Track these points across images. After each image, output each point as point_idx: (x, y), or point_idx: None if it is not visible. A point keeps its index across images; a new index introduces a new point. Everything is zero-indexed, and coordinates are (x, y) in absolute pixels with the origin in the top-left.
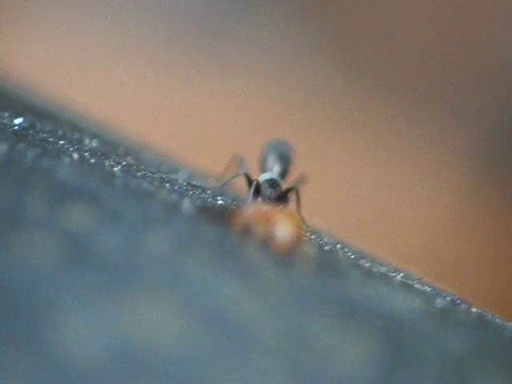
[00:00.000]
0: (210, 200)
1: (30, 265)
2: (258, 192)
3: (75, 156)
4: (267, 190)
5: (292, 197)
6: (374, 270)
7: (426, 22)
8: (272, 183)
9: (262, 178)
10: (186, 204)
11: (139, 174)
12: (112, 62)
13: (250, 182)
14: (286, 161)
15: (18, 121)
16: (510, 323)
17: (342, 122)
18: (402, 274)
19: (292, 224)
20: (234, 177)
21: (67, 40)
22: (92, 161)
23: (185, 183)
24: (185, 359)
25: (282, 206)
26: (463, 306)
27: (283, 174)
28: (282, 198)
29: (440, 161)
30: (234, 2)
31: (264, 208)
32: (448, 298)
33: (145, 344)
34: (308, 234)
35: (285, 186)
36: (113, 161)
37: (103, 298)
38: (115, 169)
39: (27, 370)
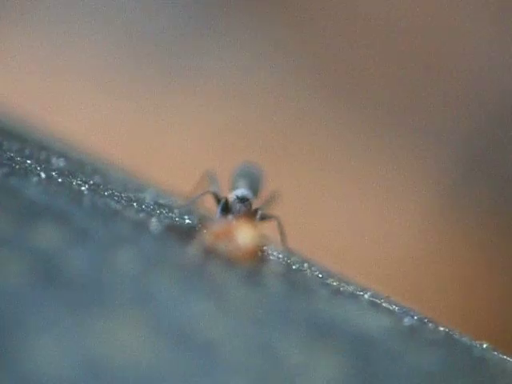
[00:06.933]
0: (177, 219)
1: None
2: (227, 209)
3: (43, 175)
4: (237, 205)
5: (268, 222)
6: (341, 288)
7: (407, 50)
8: (241, 199)
9: (232, 195)
10: (154, 223)
11: (107, 192)
12: (79, 83)
13: (218, 200)
14: (256, 183)
15: None
16: (477, 342)
17: (314, 143)
18: (369, 293)
19: (249, 229)
20: (200, 195)
21: (34, 61)
22: (59, 180)
23: (152, 202)
24: (154, 377)
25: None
26: (431, 324)
27: (254, 194)
28: (259, 218)
29: (411, 182)
30: (207, 22)
31: (226, 224)
32: (416, 317)
33: (114, 362)
34: (268, 244)
35: (257, 205)
36: (80, 180)
37: (72, 317)
38: (83, 188)
39: None
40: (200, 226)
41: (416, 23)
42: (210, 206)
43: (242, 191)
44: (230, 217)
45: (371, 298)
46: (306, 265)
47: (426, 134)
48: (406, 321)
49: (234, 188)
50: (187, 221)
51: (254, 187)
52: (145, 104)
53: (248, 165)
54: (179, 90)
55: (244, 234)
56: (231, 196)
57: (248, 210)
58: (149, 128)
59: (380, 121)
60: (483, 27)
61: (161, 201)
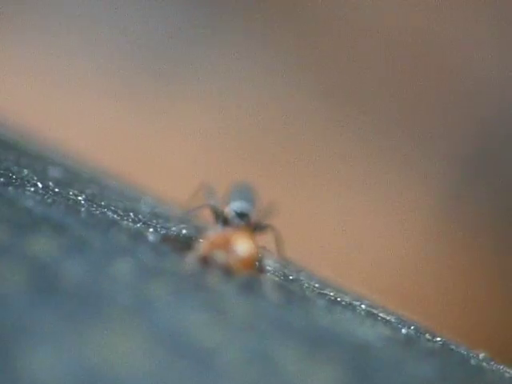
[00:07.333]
0: (174, 229)
1: None
2: (226, 222)
3: (39, 185)
4: (235, 220)
5: (267, 232)
6: (338, 298)
7: (406, 53)
8: (240, 215)
9: (230, 209)
10: (151, 233)
11: (103, 202)
12: (75, 92)
13: (216, 213)
14: (251, 196)
15: None
16: (474, 351)
17: (312, 149)
18: (366, 303)
19: (248, 239)
20: (198, 208)
21: (30, 69)
22: (56, 190)
23: (148, 212)
24: None
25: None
26: (428, 334)
27: (251, 206)
28: (255, 229)
29: (410, 187)
30: (204, 26)
31: (223, 234)
32: (413, 327)
33: (112, 371)
34: (265, 255)
35: (258, 218)
36: (77, 189)
37: (70, 326)
38: (79, 197)
39: None
40: (197, 236)
41: (417, 25)
42: (207, 216)
43: (240, 205)
44: (227, 228)
45: (368, 308)
46: (302, 275)
47: (426, 138)
48: (403, 331)
49: (231, 200)
50: (184, 231)
51: (250, 199)
52: (142, 111)
53: (242, 182)
54: (176, 97)
55: (241, 245)
56: (229, 210)
57: (246, 223)
58: (145, 135)
59: (379, 126)
60: (484, 29)
61: (157, 211)
